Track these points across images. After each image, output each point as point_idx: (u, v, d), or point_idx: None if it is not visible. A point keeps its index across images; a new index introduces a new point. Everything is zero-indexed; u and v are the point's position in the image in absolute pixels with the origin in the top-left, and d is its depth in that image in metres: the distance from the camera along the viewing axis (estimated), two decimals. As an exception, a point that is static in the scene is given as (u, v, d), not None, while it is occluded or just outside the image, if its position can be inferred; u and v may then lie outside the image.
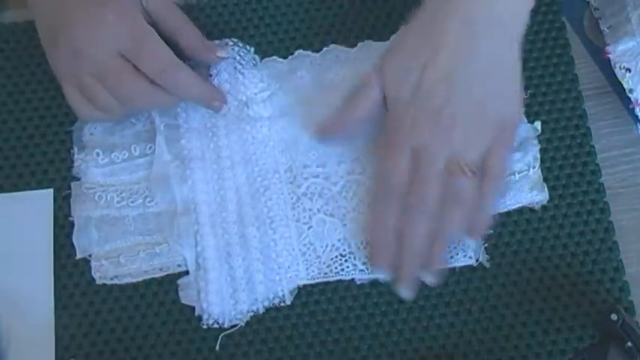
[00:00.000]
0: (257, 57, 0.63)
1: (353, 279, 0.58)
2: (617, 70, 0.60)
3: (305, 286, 0.58)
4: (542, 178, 0.59)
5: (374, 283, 0.58)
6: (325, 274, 0.58)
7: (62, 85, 0.58)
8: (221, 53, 0.60)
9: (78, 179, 0.60)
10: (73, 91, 0.57)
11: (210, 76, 0.61)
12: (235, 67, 0.62)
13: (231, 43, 0.63)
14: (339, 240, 0.59)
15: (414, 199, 0.54)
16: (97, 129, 0.61)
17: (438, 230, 0.55)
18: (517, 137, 0.59)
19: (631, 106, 0.60)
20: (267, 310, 0.58)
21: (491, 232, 0.58)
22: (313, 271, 0.58)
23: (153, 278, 0.58)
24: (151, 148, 0.60)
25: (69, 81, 0.57)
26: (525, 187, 0.59)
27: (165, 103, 0.59)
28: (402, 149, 0.55)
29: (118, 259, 0.59)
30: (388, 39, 0.62)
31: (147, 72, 0.56)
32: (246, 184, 0.59)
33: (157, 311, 0.58)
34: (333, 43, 0.63)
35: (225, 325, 0.57)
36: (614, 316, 0.52)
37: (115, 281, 0.58)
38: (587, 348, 0.54)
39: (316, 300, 0.58)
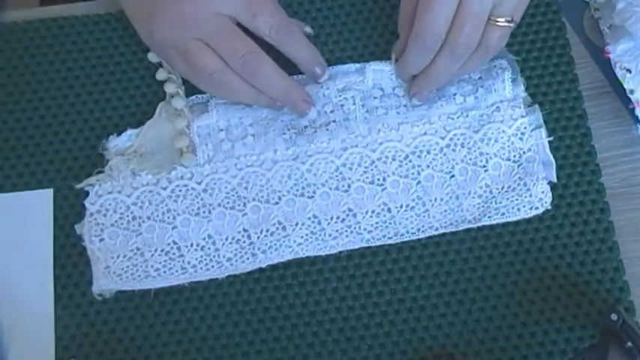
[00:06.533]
0: None
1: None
2: (617, 70, 0.60)
3: (305, 285, 0.58)
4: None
5: (374, 283, 0.58)
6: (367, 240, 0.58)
7: (167, 55, 0.59)
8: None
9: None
10: (180, 59, 0.58)
11: None
12: None
13: None
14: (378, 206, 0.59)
15: (455, 45, 0.55)
16: None
17: (458, 70, 0.58)
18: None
19: (631, 106, 0.60)
20: (267, 310, 0.58)
21: (491, 232, 0.59)
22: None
23: (153, 278, 0.59)
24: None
25: (174, 48, 0.57)
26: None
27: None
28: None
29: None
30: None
31: (261, 29, 0.57)
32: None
33: (158, 311, 0.58)
34: (338, 60, 0.63)
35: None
36: (614, 316, 0.52)
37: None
38: (587, 348, 0.54)
39: (316, 300, 0.58)
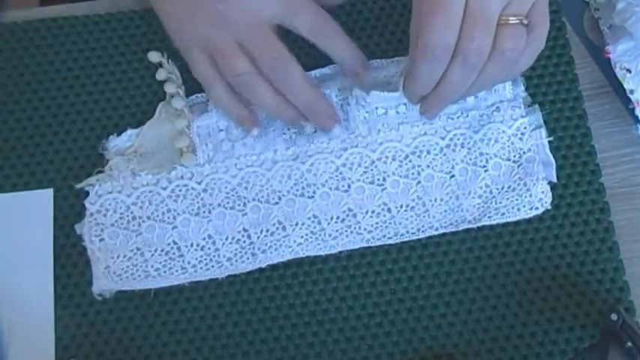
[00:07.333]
0: None
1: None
2: (617, 71, 0.60)
3: (305, 285, 0.58)
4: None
5: (374, 283, 0.58)
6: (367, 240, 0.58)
7: (191, 54, 0.58)
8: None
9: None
10: (205, 61, 0.57)
11: None
12: None
13: None
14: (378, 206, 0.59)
15: (466, 52, 0.51)
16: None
17: (476, 81, 0.53)
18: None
19: (631, 106, 0.60)
20: (267, 310, 0.58)
21: (491, 232, 0.59)
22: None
23: (153, 278, 0.59)
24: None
25: (203, 47, 0.57)
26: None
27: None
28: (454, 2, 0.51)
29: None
30: (392, 57, 0.62)
31: (301, 27, 0.56)
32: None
33: (157, 311, 0.58)
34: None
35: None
36: (614, 316, 0.52)
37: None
38: (587, 348, 0.55)
39: (316, 300, 0.58)
